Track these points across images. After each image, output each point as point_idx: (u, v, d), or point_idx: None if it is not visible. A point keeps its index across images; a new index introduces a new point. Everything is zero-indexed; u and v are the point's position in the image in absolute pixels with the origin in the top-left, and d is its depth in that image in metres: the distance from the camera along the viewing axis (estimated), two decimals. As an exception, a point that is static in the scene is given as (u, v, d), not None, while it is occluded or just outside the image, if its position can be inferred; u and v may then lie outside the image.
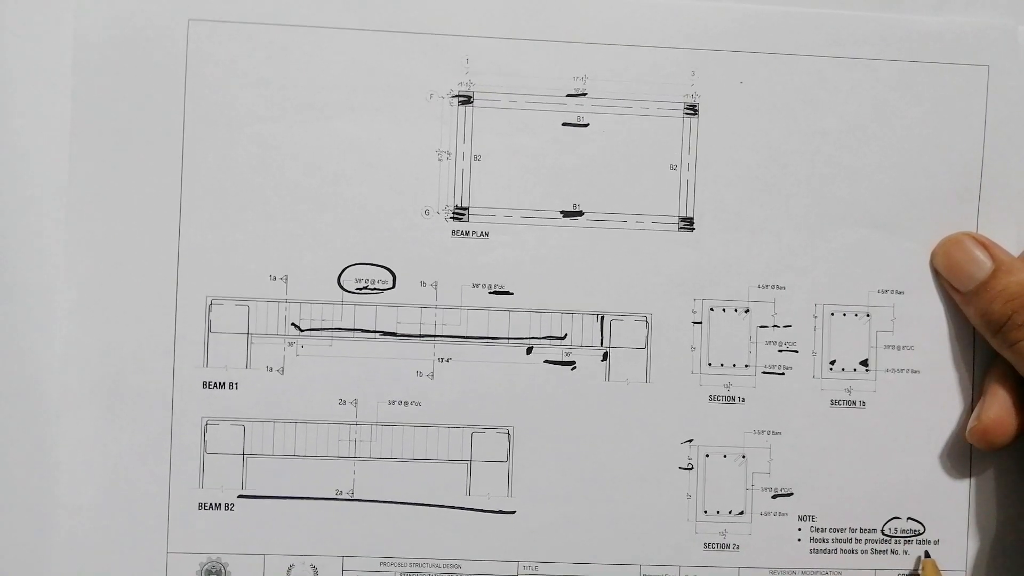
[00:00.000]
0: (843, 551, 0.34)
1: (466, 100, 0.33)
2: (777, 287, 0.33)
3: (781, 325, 0.34)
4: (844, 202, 0.33)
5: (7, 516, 0.32)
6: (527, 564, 0.33)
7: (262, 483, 0.33)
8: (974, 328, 0.33)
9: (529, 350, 0.33)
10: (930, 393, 0.34)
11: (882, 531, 0.34)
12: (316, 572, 0.33)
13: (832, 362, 0.34)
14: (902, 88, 0.33)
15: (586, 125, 0.33)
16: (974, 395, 0.34)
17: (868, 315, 0.34)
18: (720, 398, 0.33)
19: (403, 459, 0.33)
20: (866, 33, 0.33)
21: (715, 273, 0.33)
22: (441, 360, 0.33)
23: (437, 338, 0.33)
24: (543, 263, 0.33)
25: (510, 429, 0.33)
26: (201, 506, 0.33)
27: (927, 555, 0.34)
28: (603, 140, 0.33)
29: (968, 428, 0.33)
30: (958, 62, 0.33)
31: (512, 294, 0.33)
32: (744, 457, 0.33)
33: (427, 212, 0.33)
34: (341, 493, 0.33)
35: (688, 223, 0.33)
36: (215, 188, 0.32)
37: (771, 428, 0.33)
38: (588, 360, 0.33)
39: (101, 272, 0.32)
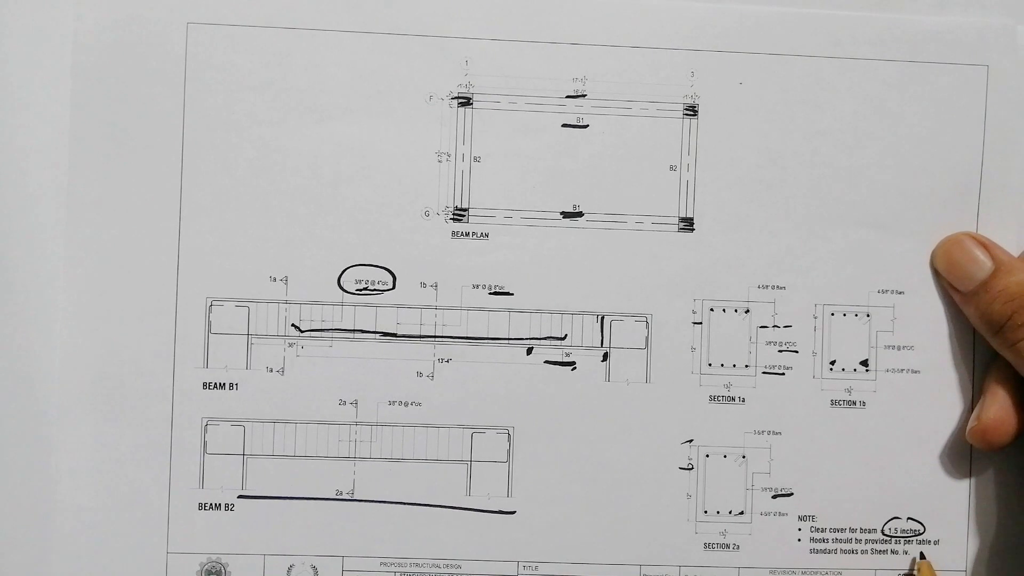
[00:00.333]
0: (843, 551, 0.34)
1: (466, 102, 0.33)
2: (777, 287, 0.33)
3: (781, 325, 0.34)
4: (844, 202, 0.33)
5: (7, 516, 0.32)
6: (527, 564, 0.33)
7: (262, 483, 0.33)
8: (974, 328, 0.33)
9: (529, 351, 0.33)
10: (930, 393, 0.34)
11: (882, 531, 0.34)
12: (316, 572, 0.33)
13: (832, 362, 0.34)
14: (902, 88, 0.33)
15: (586, 126, 0.33)
16: (974, 395, 0.34)
17: (868, 315, 0.34)
18: (720, 398, 0.33)
19: (403, 459, 0.33)
20: (866, 33, 0.33)
21: (715, 273, 0.33)
22: (441, 361, 0.33)
23: (437, 339, 0.33)
24: (543, 264, 0.33)
25: (510, 429, 0.33)
26: (201, 506, 0.33)
27: (922, 556, 0.34)
28: (603, 141, 0.33)
29: (968, 428, 0.33)
30: (958, 62, 0.33)
31: (512, 295, 0.33)
32: (744, 457, 0.33)
33: (427, 213, 0.33)
34: (341, 493, 0.33)
35: (688, 223, 0.33)
36: (215, 190, 0.32)
37: (771, 428, 0.33)
38: (588, 360, 0.33)
39: (101, 273, 0.32)
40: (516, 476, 0.33)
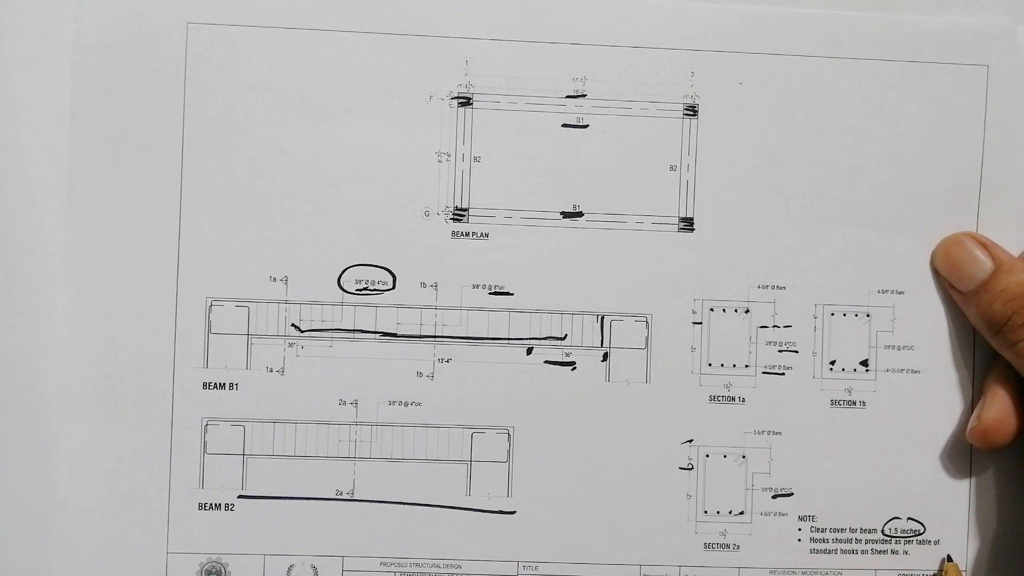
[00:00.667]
0: (843, 551, 0.34)
1: (465, 102, 0.33)
2: (777, 287, 0.33)
3: (781, 325, 0.34)
4: (844, 202, 0.33)
5: (7, 516, 0.32)
6: (527, 564, 0.33)
7: (262, 483, 0.33)
8: (974, 328, 0.33)
9: (529, 350, 0.33)
10: (930, 393, 0.34)
11: (882, 531, 0.34)
12: (316, 572, 0.33)
13: (832, 362, 0.34)
14: (902, 88, 0.33)
15: (586, 126, 0.33)
16: (974, 395, 0.34)
17: (868, 315, 0.34)
18: (720, 398, 0.33)
19: (403, 459, 0.33)
20: (865, 33, 0.33)
21: (715, 273, 0.33)
22: (441, 361, 0.33)
23: (437, 339, 0.33)
24: (543, 264, 0.33)
25: (510, 429, 0.33)
26: (201, 506, 0.33)
27: (949, 559, 0.33)
28: (603, 141, 0.33)
29: (968, 428, 0.33)
30: (958, 62, 0.33)
31: (512, 295, 0.33)
32: (744, 457, 0.33)
33: (427, 213, 0.33)
34: (341, 493, 0.33)
35: (688, 223, 0.33)
36: (215, 190, 0.32)
37: (771, 428, 0.33)
38: (588, 360, 0.33)
39: (101, 273, 0.32)
40: (516, 476, 0.33)
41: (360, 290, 0.33)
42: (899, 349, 0.34)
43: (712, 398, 0.33)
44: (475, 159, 0.33)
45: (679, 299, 0.33)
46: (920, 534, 0.34)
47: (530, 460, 0.33)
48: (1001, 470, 0.34)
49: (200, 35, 0.32)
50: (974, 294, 0.32)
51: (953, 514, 0.34)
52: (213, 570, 0.33)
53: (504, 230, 0.33)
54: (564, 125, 0.33)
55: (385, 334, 0.33)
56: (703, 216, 0.33)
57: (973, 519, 0.34)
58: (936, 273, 0.33)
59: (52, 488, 0.32)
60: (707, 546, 0.33)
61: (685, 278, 0.33)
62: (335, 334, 0.33)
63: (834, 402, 0.34)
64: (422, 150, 0.33)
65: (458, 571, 0.33)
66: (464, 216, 0.33)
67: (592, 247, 0.33)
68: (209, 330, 0.33)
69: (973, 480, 0.34)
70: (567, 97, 0.33)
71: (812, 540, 0.34)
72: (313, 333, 0.33)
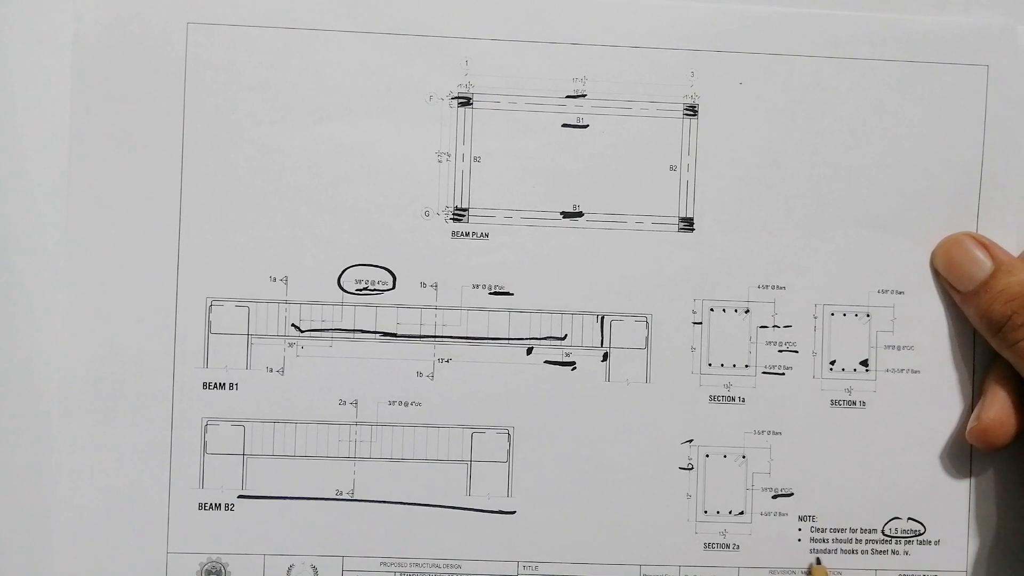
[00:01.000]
0: (843, 551, 0.34)
1: (465, 102, 0.33)
2: (777, 287, 0.33)
3: (781, 325, 0.34)
4: (844, 202, 0.33)
5: (7, 516, 0.32)
6: (527, 564, 0.33)
7: (262, 483, 0.33)
8: (974, 328, 0.33)
9: (529, 350, 0.33)
10: (930, 393, 0.34)
11: (882, 531, 0.34)
12: (316, 572, 0.33)
13: (832, 362, 0.34)
14: (902, 88, 0.33)
15: (586, 126, 0.33)
16: (974, 395, 0.34)
17: (868, 315, 0.34)
18: (720, 398, 0.33)
19: (403, 459, 0.33)
20: (865, 33, 0.33)
21: (715, 273, 0.33)
22: (441, 361, 0.33)
23: (437, 339, 0.33)
24: (543, 264, 0.33)
25: (510, 429, 0.33)
26: (201, 506, 0.33)
27: (818, 562, 0.33)
28: (603, 141, 0.33)
29: (968, 428, 0.33)
30: (958, 62, 0.33)
31: (512, 295, 0.33)
32: (744, 457, 0.33)
33: (427, 213, 0.33)
34: (341, 493, 0.33)
35: (688, 223, 0.33)
36: (215, 190, 0.32)
37: (771, 428, 0.33)
38: (588, 360, 0.33)
39: (101, 272, 0.32)
40: (516, 476, 0.33)
41: (360, 290, 0.33)
42: (899, 349, 0.34)
43: (712, 398, 0.33)
44: (475, 159, 0.33)
45: (679, 299, 0.33)
46: (920, 534, 0.34)
47: (530, 460, 0.33)
48: (1001, 470, 0.34)
49: (200, 35, 0.32)
50: (974, 294, 0.32)
51: (953, 514, 0.34)
52: (213, 570, 0.33)
53: (504, 230, 0.33)
54: (564, 125, 0.33)
55: (385, 334, 0.33)
56: (703, 216, 0.33)
57: (973, 519, 0.34)
58: (936, 273, 0.33)
59: (52, 488, 0.32)
60: (707, 546, 0.33)
61: (685, 278, 0.33)
62: (335, 334, 0.33)
63: (834, 402, 0.34)
64: (422, 150, 0.33)
65: (458, 571, 0.33)
66: (464, 216, 0.33)
67: (592, 247, 0.33)
68: (209, 330, 0.33)
69: (973, 480, 0.34)
70: (567, 97, 0.33)
71: (812, 540, 0.34)
72: (313, 333, 0.33)
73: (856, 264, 0.34)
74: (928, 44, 0.33)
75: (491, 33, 0.33)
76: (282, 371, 0.33)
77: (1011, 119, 0.33)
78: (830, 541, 0.34)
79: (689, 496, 0.33)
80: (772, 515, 0.34)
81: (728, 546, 0.34)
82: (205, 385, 0.33)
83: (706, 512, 0.33)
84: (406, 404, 0.33)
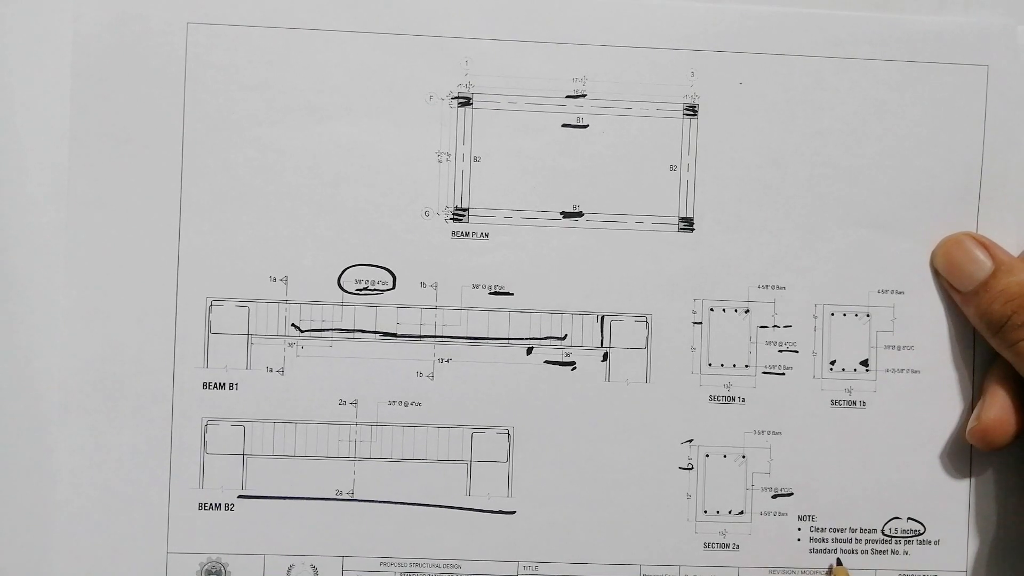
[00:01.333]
0: (843, 551, 0.34)
1: (465, 102, 0.33)
2: (777, 287, 0.33)
3: (781, 325, 0.34)
4: (844, 202, 0.33)
5: (7, 516, 0.32)
6: (527, 564, 0.33)
7: (262, 483, 0.33)
8: (974, 328, 0.33)
9: (529, 350, 0.33)
10: (930, 393, 0.34)
11: (882, 531, 0.34)
12: (316, 572, 0.33)
13: (832, 362, 0.34)
14: (902, 88, 0.33)
15: (586, 126, 0.33)
16: (974, 395, 0.34)
17: (868, 315, 0.34)
18: (720, 398, 0.33)
19: (403, 459, 0.33)
20: (865, 33, 0.33)
21: (715, 273, 0.33)
22: (441, 360, 0.33)
23: (437, 339, 0.33)
24: (543, 264, 0.33)
25: (510, 429, 0.33)
26: (201, 506, 0.33)
27: (839, 563, 0.34)
28: (603, 141, 0.33)
29: (968, 428, 0.33)
30: (958, 62, 0.33)
31: (512, 295, 0.33)
32: (744, 457, 0.33)
33: (427, 213, 0.33)
34: (341, 493, 0.33)
35: (688, 223, 0.33)
36: (215, 190, 0.32)
37: (771, 428, 0.34)
38: (588, 360, 0.33)
39: (101, 272, 0.32)
40: (516, 476, 0.33)
41: (360, 290, 0.33)
42: (899, 349, 0.34)
43: (712, 398, 0.33)
44: (475, 159, 0.33)
45: (679, 299, 0.33)
46: (920, 534, 0.34)
47: (530, 460, 0.33)
48: (1001, 470, 0.34)
49: (200, 35, 0.32)
50: (974, 294, 0.32)
51: (953, 514, 0.34)
52: (213, 570, 0.33)
53: (504, 230, 0.33)
54: (564, 125, 0.33)
55: (385, 334, 0.33)
56: (703, 216, 0.33)
57: (973, 519, 0.34)
58: (936, 273, 0.33)
59: (52, 488, 0.32)
60: (707, 546, 0.33)
61: (685, 278, 0.33)
62: (335, 334, 0.33)
63: (834, 402, 0.34)
64: (422, 150, 0.33)
65: (458, 571, 0.33)
66: (464, 216, 0.33)
67: (592, 247, 0.33)
68: (209, 330, 0.33)
69: (973, 480, 0.34)
70: (567, 97, 0.33)
71: (812, 540, 0.34)
72: (313, 333, 0.33)
73: (856, 264, 0.34)
74: (928, 44, 0.33)
75: (491, 33, 0.33)
76: (282, 371, 0.33)
77: (1011, 119, 0.33)
78: (830, 541, 0.34)
79: (689, 496, 0.33)
80: (772, 515, 0.34)
81: (728, 546, 0.34)
82: (205, 385, 0.33)
83: (706, 512, 0.33)
84: (406, 404, 0.33)
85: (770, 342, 0.34)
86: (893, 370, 0.34)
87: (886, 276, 0.34)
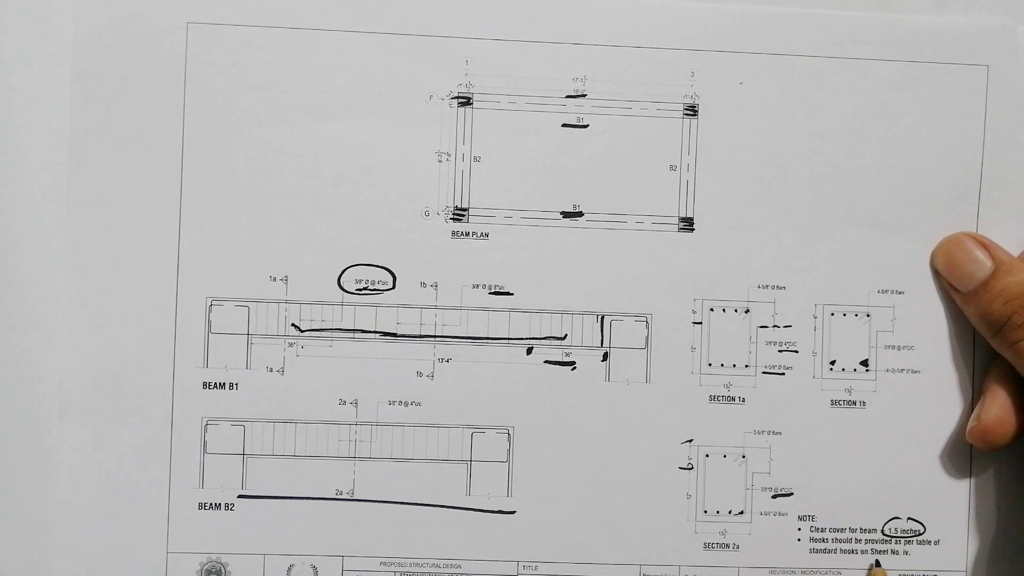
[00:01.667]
0: (843, 551, 0.34)
1: (465, 102, 0.33)
2: (777, 287, 0.33)
3: (781, 325, 0.34)
4: (844, 202, 0.33)
5: (7, 517, 0.32)
6: (527, 564, 0.33)
7: (262, 483, 0.33)
8: (974, 328, 0.33)
9: (529, 350, 0.33)
10: (930, 393, 0.34)
11: (882, 531, 0.34)
12: (316, 572, 0.33)
13: (832, 362, 0.34)
14: (902, 88, 0.33)
15: (586, 126, 0.33)
16: (974, 395, 0.34)
17: (868, 315, 0.34)
18: (720, 398, 0.33)
19: (403, 459, 0.33)
20: (865, 33, 0.33)
21: (715, 273, 0.33)
22: (441, 360, 0.33)
23: (437, 338, 0.33)
24: (543, 264, 0.33)
25: (510, 429, 0.33)
26: (201, 506, 0.33)
27: (877, 564, 0.34)
28: (603, 141, 0.33)
29: (968, 428, 0.33)
30: (958, 62, 0.33)
31: (512, 295, 0.33)
32: (744, 457, 0.33)
33: (427, 213, 0.33)
34: (341, 493, 0.33)
35: (688, 223, 0.33)
36: (215, 189, 0.32)
37: (771, 428, 0.34)
38: (588, 360, 0.33)
39: (101, 272, 0.32)
40: (516, 476, 0.33)
41: (360, 290, 0.33)
42: (899, 349, 0.34)
43: (712, 398, 0.33)
44: (475, 159, 0.33)
45: (679, 299, 0.33)
46: (920, 534, 0.34)
47: (530, 460, 0.33)
48: (1001, 470, 0.34)
49: (200, 35, 0.32)
50: (974, 294, 0.32)
51: (953, 514, 0.34)
52: (213, 570, 0.33)
53: (504, 230, 0.33)
54: (564, 125, 0.33)
55: (385, 334, 0.33)
56: (703, 216, 0.33)
57: (973, 519, 0.34)
58: (936, 273, 0.33)
59: (52, 488, 0.32)
60: (707, 546, 0.33)
61: (685, 278, 0.33)
62: (335, 334, 0.33)
63: (834, 402, 0.34)
64: (422, 150, 0.33)
65: (458, 571, 0.33)
66: (464, 216, 0.33)
67: (592, 247, 0.33)
68: (209, 330, 0.33)
69: (973, 480, 0.34)
70: (567, 97, 0.33)
71: (812, 540, 0.34)
72: (313, 333, 0.33)
73: (856, 264, 0.34)
74: (928, 44, 0.33)
75: (491, 33, 0.33)
76: (282, 371, 0.33)
77: (1011, 119, 0.33)
78: (830, 541, 0.34)
79: (689, 496, 0.33)
80: (772, 515, 0.34)
81: (728, 546, 0.34)
82: (205, 385, 0.33)
83: (706, 512, 0.33)
84: (406, 404, 0.33)
85: (770, 342, 0.34)
86: (893, 370, 0.34)
87: (886, 276, 0.34)
